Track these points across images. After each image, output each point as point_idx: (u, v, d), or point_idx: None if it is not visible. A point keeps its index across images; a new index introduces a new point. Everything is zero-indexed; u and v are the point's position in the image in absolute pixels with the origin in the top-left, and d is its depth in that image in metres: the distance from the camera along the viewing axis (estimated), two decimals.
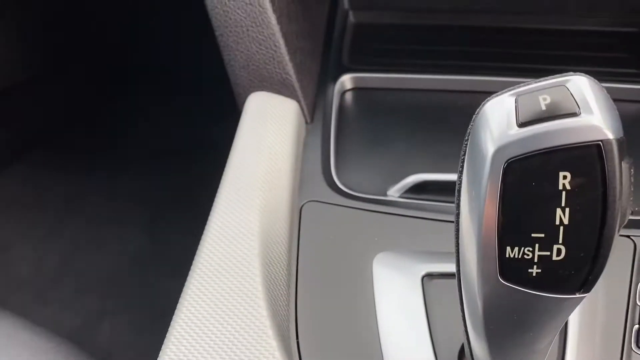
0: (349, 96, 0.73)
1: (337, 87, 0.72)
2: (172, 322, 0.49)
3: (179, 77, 1.73)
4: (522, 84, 0.33)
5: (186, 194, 1.51)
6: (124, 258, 1.42)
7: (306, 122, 0.69)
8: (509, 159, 0.31)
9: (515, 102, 0.32)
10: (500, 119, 0.32)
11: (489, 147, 0.31)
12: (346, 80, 0.73)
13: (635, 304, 0.51)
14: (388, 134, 0.69)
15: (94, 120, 1.73)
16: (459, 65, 0.73)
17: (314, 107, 0.70)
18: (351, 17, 0.80)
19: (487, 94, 0.71)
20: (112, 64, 1.82)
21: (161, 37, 1.75)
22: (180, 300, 0.51)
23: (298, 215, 0.59)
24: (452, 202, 0.61)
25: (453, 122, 0.67)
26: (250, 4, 0.59)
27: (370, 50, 0.77)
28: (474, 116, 0.35)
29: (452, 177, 0.60)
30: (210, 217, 0.56)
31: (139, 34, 1.78)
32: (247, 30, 0.61)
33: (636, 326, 0.50)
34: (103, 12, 1.79)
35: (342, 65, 0.74)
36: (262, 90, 0.68)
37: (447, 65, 0.73)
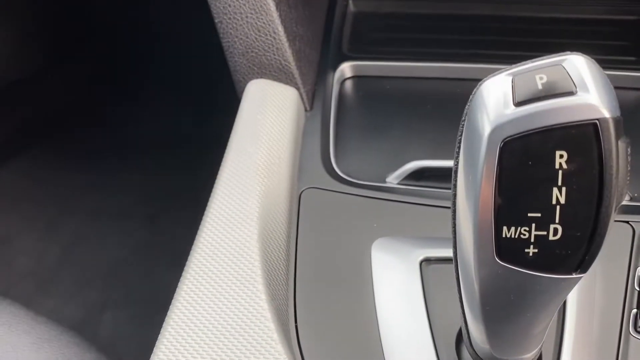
0: (348, 84, 0.73)
1: (337, 75, 0.72)
2: (171, 305, 0.50)
3: (181, 70, 1.73)
4: (519, 64, 0.33)
5: (188, 186, 1.51)
6: (125, 251, 1.42)
7: (305, 110, 0.69)
8: (505, 138, 0.31)
9: (512, 81, 0.33)
10: (497, 99, 0.32)
11: (486, 127, 0.32)
12: (346, 68, 0.73)
13: (633, 288, 0.51)
14: (387, 121, 0.69)
15: (95, 114, 1.73)
16: (457, 53, 0.73)
17: (314, 95, 0.70)
18: (351, 6, 0.80)
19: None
20: (114, 57, 1.82)
21: (162, 31, 1.75)
22: (180, 283, 0.51)
23: (297, 202, 0.59)
24: (450, 189, 0.62)
25: (452, 109, 0.67)
26: None
27: (370, 39, 0.77)
28: (470, 96, 0.35)
29: (449, 163, 0.60)
30: (209, 203, 0.56)
31: (139, 27, 1.78)
32: (246, 17, 0.61)
33: (634, 310, 0.50)
34: (103, 5, 1.79)
35: (342, 53, 0.74)
36: (262, 77, 0.68)
37: (446, 53, 0.73)
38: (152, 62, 1.79)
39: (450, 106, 0.68)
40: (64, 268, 1.39)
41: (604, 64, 0.68)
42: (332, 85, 0.71)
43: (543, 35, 0.75)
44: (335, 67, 0.72)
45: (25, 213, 1.52)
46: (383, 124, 0.68)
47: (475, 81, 0.73)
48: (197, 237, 0.54)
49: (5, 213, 1.52)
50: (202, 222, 0.54)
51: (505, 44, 0.73)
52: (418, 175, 0.62)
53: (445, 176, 0.60)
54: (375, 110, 0.70)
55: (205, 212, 0.55)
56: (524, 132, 0.31)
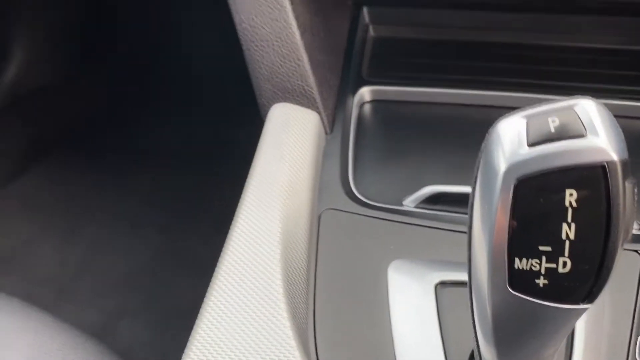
0: (367, 108, 0.76)
1: (356, 99, 0.75)
2: (195, 325, 0.52)
3: (200, 80, 1.77)
4: (533, 106, 0.36)
5: (204, 195, 1.54)
6: (142, 258, 1.45)
7: (326, 133, 0.72)
8: (519, 177, 0.33)
9: (526, 123, 0.35)
10: (512, 139, 0.35)
11: (501, 165, 0.34)
12: (365, 92, 0.76)
13: None
14: (405, 144, 0.71)
15: (115, 122, 1.77)
16: (474, 79, 0.75)
17: (334, 118, 0.72)
18: (371, 31, 0.82)
19: (501, 108, 0.74)
20: (134, 66, 1.86)
21: (183, 40, 1.79)
22: (204, 302, 0.53)
23: (317, 223, 0.61)
24: (465, 213, 0.64)
25: (468, 135, 0.69)
26: (276, 19, 0.62)
27: (389, 64, 0.79)
28: (486, 134, 0.37)
29: (465, 189, 0.62)
30: (234, 222, 0.59)
31: (162, 37, 1.82)
32: (272, 45, 0.64)
33: None
34: (127, 15, 1.83)
35: (361, 78, 0.77)
36: (285, 101, 0.71)
37: (463, 80, 0.75)
38: (169, 74, 1.83)
39: (466, 132, 0.70)
40: (84, 274, 1.43)
41: (615, 94, 0.71)
42: (352, 109, 0.73)
43: (557, 64, 0.77)
44: (354, 92, 0.75)
45: (46, 219, 1.56)
46: (401, 148, 0.71)
47: (491, 108, 0.75)
48: (221, 255, 0.57)
49: (27, 219, 1.57)
50: (227, 241, 0.57)
51: (520, 72, 0.75)
52: (434, 199, 0.64)
53: (460, 200, 0.62)
54: (393, 134, 0.72)
55: (230, 232, 0.58)
56: (536, 171, 0.33)
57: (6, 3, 1.60)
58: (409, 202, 0.65)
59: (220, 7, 0.77)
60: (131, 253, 1.46)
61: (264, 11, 0.61)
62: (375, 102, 0.76)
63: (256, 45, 0.65)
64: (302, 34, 0.65)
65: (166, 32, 1.82)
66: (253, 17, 0.62)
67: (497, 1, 0.73)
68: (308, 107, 0.70)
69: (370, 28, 0.82)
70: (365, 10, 0.81)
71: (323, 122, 0.71)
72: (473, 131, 0.70)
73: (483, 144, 0.38)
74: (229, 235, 0.58)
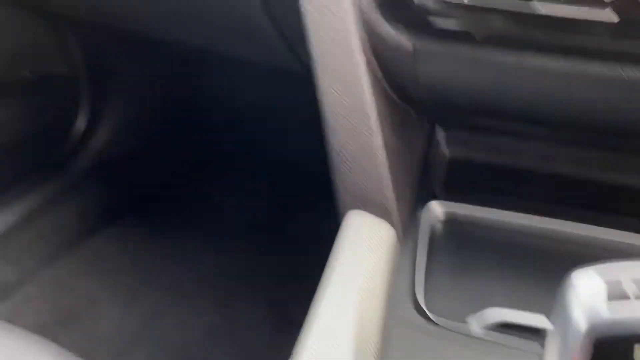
0: (439, 224, 0.80)
1: (429, 215, 0.79)
2: None
3: (273, 165, 1.87)
4: (607, 261, 0.40)
5: (261, 277, 1.59)
6: (197, 331, 1.49)
7: (398, 245, 0.76)
8: (598, 337, 0.37)
9: (603, 281, 0.39)
10: (589, 298, 0.38)
11: (581, 324, 0.37)
12: (438, 209, 0.80)
13: None
14: (473, 264, 0.74)
15: (188, 194, 1.88)
16: (547, 208, 0.78)
17: (407, 232, 0.77)
18: (446, 152, 0.88)
19: (571, 243, 0.76)
20: (214, 141, 1.99)
21: (265, 121, 1.90)
22: None
23: (385, 335, 0.64)
24: (529, 339, 0.65)
25: (538, 262, 0.72)
26: (367, 144, 0.69)
27: (462, 184, 0.84)
28: (562, 282, 0.41)
29: (528, 318, 0.64)
30: (304, 332, 0.62)
31: (237, 116, 1.94)
32: (360, 164, 0.70)
33: None
34: (211, 91, 1.98)
35: (435, 196, 0.81)
36: (362, 209, 0.76)
37: (535, 208, 0.78)
38: (246, 156, 1.94)
39: (536, 259, 0.73)
40: (140, 340, 1.47)
41: None
42: (424, 225, 0.77)
43: (630, 199, 0.79)
44: (427, 208, 0.79)
45: (110, 281, 1.64)
46: (469, 267, 0.74)
47: (562, 241, 0.78)
48: (295, 350, 0.60)
49: (92, 279, 1.65)
50: (296, 352, 0.60)
51: (593, 206, 0.78)
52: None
53: (525, 328, 0.64)
54: (463, 252, 0.76)
55: (301, 342, 0.61)
56: (614, 333, 0.37)
57: (106, 75, 1.78)
58: (474, 322, 0.67)
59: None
60: (186, 325, 1.51)
61: (357, 138, 0.68)
62: (447, 219, 0.80)
63: (346, 165, 0.71)
64: (388, 156, 0.70)
65: (247, 107, 1.94)
66: (347, 141, 0.69)
67: (572, 138, 0.77)
68: (383, 218, 0.75)
69: (446, 149, 0.88)
70: (441, 131, 0.87)
71: (396, 235, 0.75)
72: (543, 260, 0.73)
73: (558, 293, 0.41)
74: (298, 345, 0.61)
